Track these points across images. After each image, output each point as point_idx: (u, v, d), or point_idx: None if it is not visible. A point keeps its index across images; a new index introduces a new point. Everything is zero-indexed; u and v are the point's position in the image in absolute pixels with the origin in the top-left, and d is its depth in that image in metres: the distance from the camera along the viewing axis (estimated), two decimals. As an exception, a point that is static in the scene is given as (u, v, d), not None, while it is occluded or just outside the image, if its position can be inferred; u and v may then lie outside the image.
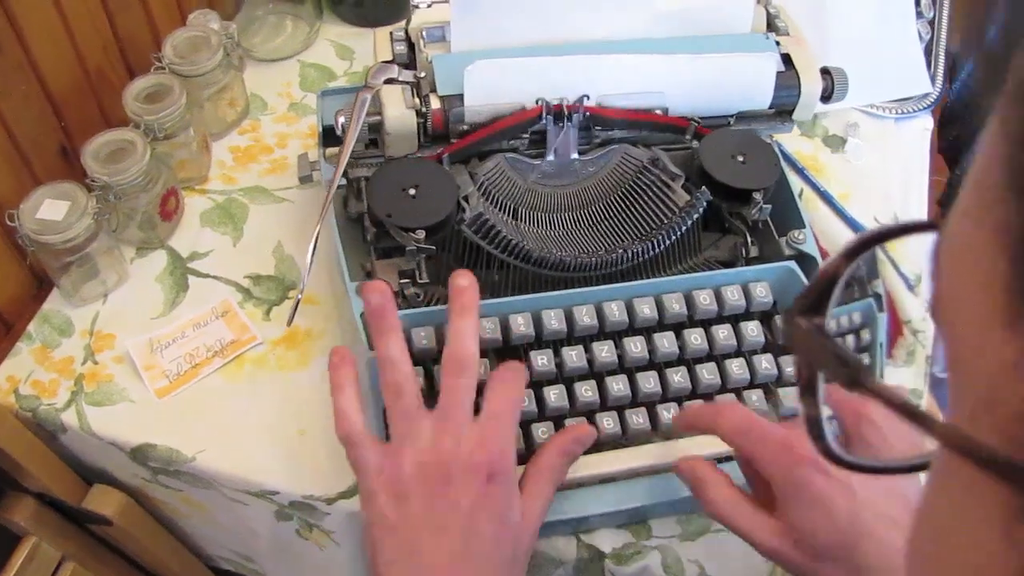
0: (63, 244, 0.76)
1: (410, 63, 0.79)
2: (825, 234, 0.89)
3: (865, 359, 0.74)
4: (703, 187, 0.75)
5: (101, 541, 0.93)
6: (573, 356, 0.69)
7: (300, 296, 0.73)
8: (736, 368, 0.72)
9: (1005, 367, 0.22)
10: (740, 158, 0.77)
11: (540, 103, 0.76)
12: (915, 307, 0.86)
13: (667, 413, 0.70)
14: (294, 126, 0.97)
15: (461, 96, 0.75)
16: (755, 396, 0.72)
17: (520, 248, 0.71)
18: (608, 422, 0.69)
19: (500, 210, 0.76)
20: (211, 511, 0.84)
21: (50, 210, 0.77)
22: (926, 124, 1.04)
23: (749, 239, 0.77)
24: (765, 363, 0.72)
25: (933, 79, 1.07)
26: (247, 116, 0.98)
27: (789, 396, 0.72)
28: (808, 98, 0.81)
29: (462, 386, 0.60)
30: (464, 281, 0.63)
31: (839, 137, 1.00)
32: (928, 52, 1.09)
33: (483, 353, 0.69)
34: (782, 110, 0.82)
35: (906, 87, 1.06)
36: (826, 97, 0.82)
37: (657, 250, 0.74)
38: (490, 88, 0.75)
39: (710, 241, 0.80)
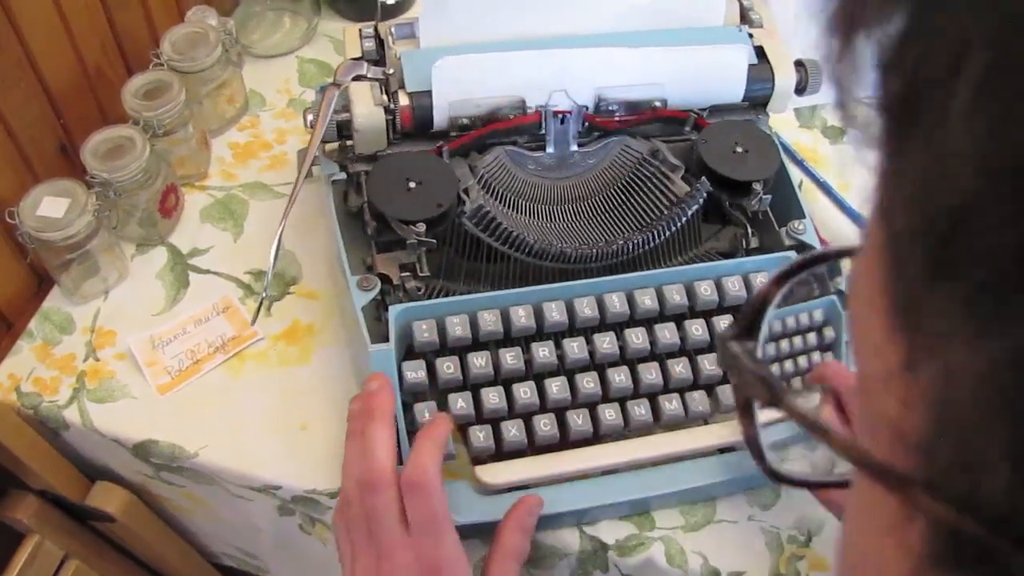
0: (63, 241, 0.76)
1: (380, 60, 0.79)
2: (825, 224, 0.89)
3: (829, 357, 0.74)
4: (703, 178, 0.75)
5: (104, 538, 0.93)
6: (575, 348, 0.69)
7: (264, 295, 0.74)
8: (737, 358, 0.71)
9: (883, 382, 0.24)
10: (740, 149, 0.77)
11: (539, 109, 0.77)
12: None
13: (669, 405, 0.70)
14: (293, 122, 0.97)
15: (430, 92, 0.75)
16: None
17: (521, 240, 0.71)
18: (610, 414, 0.69)
19: (500, 202, 0.76)
20: (214, 507, 0.84)
21: (50, 207, 0.77)
22: (925, 114, 1.04)
23: (749, 230, 0.77)
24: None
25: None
26: (246, 112, 0.98)
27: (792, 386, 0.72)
28: (782, 90, 0.81)
29: (380, 504, 0.60)
30: (374, 385, 0.65)
31: (838, 128, 1.00)
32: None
33: (484, 345, 0.69)
34: (756, 103, 0.82)
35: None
36: (800, 89, 0.82)
37: (657, 241, 0.74)
38: (459, 84, 0.75)
39: (710, 232, 0.80)
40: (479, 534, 0.70)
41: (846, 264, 0.89)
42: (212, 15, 0.93)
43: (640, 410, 0.70)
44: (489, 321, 0.68)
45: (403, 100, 0.75)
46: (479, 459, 0.68)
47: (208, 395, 0.78)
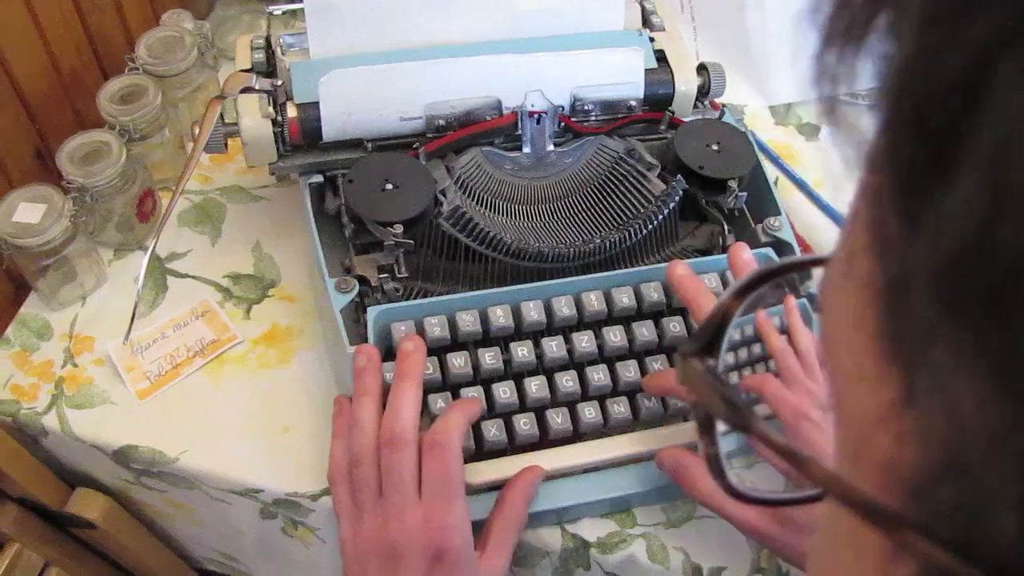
0: (40, 247, 0.76)
1: (271, 71, 0.79)
2: (801, 221, 0.90)
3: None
4: (679, 176, 0.76)
5: (85, 545, 0.92)
6: (553, 347, 0.69)
7: (135, 314, 0.77)
8: (715, 355, 0.72)
9: (874, 415, 0.22)
10: (715, 147, 0.78)
11: (515, 111, 0.77)
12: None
13: (648, 402, 0.71)
14: (270, 125, 0.97)
15: (318, 104, 0.75)
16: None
17: (498, 240, 0.71)
18: (590, 412, 0.69)
19: (477, 203, 0.76)
20: (195, 512, 0.84)
21: (26, 213, 0.76)
22: (899, 111, 1.04)
23: (726, 227, 0.78)
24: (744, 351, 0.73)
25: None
26: (223, 116, 0.97)
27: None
28: (683, 93, 0.82)
29: (400, 461, 0.61)
30: (409, 345, 0.65)
31: (813, 125, 1.01)
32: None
33: (463, 346, 0.69)
34: (658, 107, 0.82)
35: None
36: (704, 93, 0.83)
37: (634, 239, 0.74)
38: (348, 98, 0.75)
39: (687, 230, 0.81)
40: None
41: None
42: (188, 18, 0.93)
43: (619, 408, 0.70)
44: (468, 321, 0.69)
45: (291, 112, 0.75)
46: (460, 459, 0.68)
47: (188, 399, 0.77)
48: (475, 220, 0.71)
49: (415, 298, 0.72)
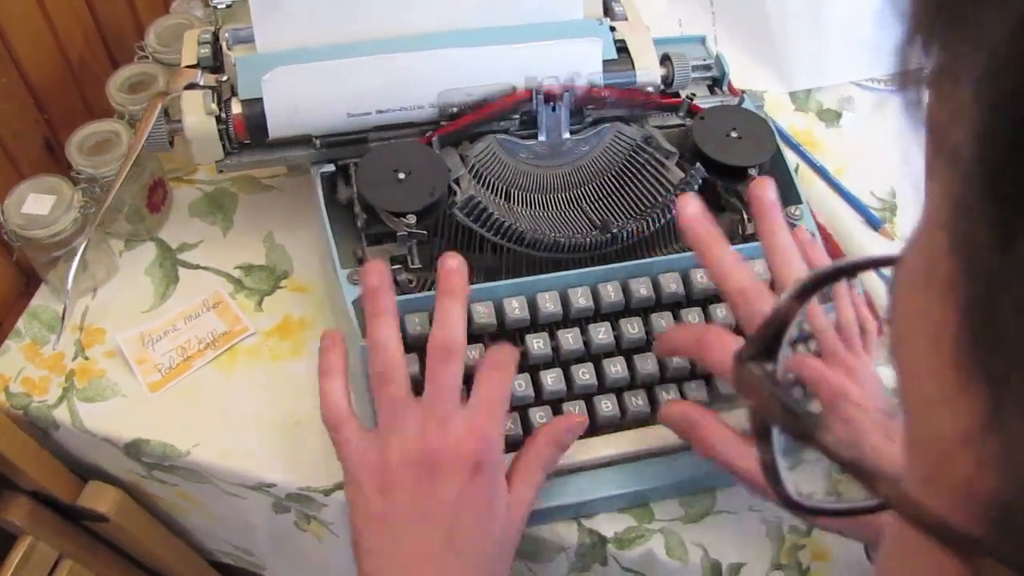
0: (49, 239, 0.75)
1: (218, 66, 0.77)
2: (822, 209, 0.88)
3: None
4: (697, 164, 0.74)
5: (98, 538, 0.92)
6: (569, 339, 0.68)
7: (65, 318, 0.77)
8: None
9: (953, 438, 0.21)
10: (734, 134, 0.76)
11: (529, 87, 0.75)
12: None
13: (667, 395, 0.69)
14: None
15: (262, 100, 0.73)
16: (755, 375, 0.71)
17: (513, 230, 0.70)
18: (607, 405, 0.68)
19: (492, 192, 0.75)
20: (208, 505, 0.84)
21: (35, 204, 0.76)
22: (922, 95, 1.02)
23: (745, 216, 0.76)
24: (764, 341, 0.71)
25: (928, 50, 1.06)
26: (234, 104, 0.96)
27: (789, 374, 0.71)
28: (644, 85, 0.80)
29: (448, 373, 0.59)
30: (453, 263, 0.62)
31: (833, 111, 0.99)
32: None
33: (477, 338, 0.68)
34: None
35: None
36: (668, 83, 0.81)
37: (652, 229, 0.73)
38: (292, 95, 0.74)
39: (706, 219, 0.79)
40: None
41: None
42: (197, 6, 0.92)
43: (637, 401, 0.69)
44: (482, 313, 0.67)
45: (236, 109, 0.74)
46: (475, 453, 0.67)
47: (199, 392, 0.77)
48: (490, 210, 0.70)
49: (428, 289, 0.71)
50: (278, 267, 0.84)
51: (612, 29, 0.81)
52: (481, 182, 0.74)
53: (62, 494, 0.84)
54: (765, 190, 0.64)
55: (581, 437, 0.68)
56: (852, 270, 0.32)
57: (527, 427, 0.67)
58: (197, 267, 0.84)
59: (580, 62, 0.77)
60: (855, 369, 0.60)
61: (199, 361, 0.78)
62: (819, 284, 0.30)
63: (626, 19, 0.83)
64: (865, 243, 0.86)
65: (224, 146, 0.74)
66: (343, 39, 0.76)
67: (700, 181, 0.74)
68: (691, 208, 0.62)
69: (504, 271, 0.72)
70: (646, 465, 0.69)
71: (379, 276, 0.62)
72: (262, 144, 0.75)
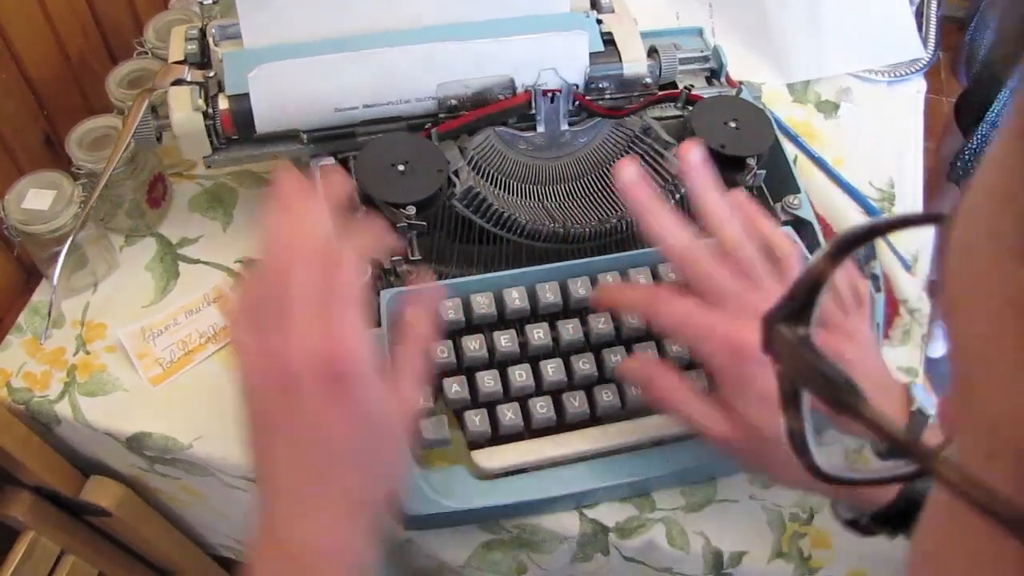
0: (50, 234, 0.75)
1: (205, 62, 0.78)
2: (820, 200, 0.88)
3: None
4: (696, 154, 0.74)
5: (100, 533, 0.92)
6: (569, 329, 0.68)
7: (51, 312, 0.76)
8: (735, 336, 0.71)
9: None
10: (733, 124, 0.76)
11: (528, 89, 0.75)
12: (911, 287, 0.85)
13: (666, 384, 0.70)
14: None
15: (249, 95, 0.73)
16: (755, 364, 0.71)
17: (513, 221, 0.70)
18: (607, 395, 0.68)
19: (491, 183, 0.75)
20: (210, 498, 0.84)
21: (36, 200, 0.76)
22: (919, 87, 1.03)
23: (744, 206, 0.76)
24: (764, 330, 0.71)
25: (925, 42, 1.06)
26: (233, 100, 0.96)
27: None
28: (631, 77, 0.80)
29: (294, 277, 0.53)
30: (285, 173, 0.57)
31: (831, 102, 0.99)
32: (919, 15, 1.08)
33: (478, 329, 0.68)
34: None
35: (897, 52, 1.04)
36: (656, 76, 0.81)
37: (651, 219, 0.73)
38: (279, 92, 0.74)
39: (705, 210, 0.79)
40: (478, 520, 0.70)
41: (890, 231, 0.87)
42: (196, 2, 0.92)
43: (637, 390, 0.69)
44: (482, 304, 0.68)
45: (223, 104, 0.74)
46: (476, 444, 0.67)
47: (201, 386, 0.77)
48: (489, 201, 0.70)
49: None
50: (278, 261, 0.84)
51: (599, 22, 0.81)
52: (480, 173, 0.75)
53: (64, 489, 0.84)
54: (691, 152, 0.62)
55: (582, 426, 0.68)
56: (888, 228, 0.30)
57: (528, 418, 0.67)
58: (197, 262, 0.84)
59: (567, 55, 0.77)
60: (852, 333, 0.60)
61: (200, 355, 0.78)
62: (854, 243, 0.29)
63: (612, 11, 0.83)
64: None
65: (212, 142, 0.75)
66: (330, 34, 0.76)
67: (699, 171, 0.74)
68: (627, 174, 0.61)
69: (504, 262, 0.73)
70: (647, 455, 0.69)
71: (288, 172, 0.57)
72: (249, 139, 0.75)
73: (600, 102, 0.78)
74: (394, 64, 0.75)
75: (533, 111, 0.77)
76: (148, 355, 0.78)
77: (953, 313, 0.22)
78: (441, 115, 0.76)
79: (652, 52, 0.81)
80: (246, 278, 0.57)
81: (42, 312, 0.80)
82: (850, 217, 0.88)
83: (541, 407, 0.67)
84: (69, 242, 0.75)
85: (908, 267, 0.86)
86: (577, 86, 0.77)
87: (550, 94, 0.76)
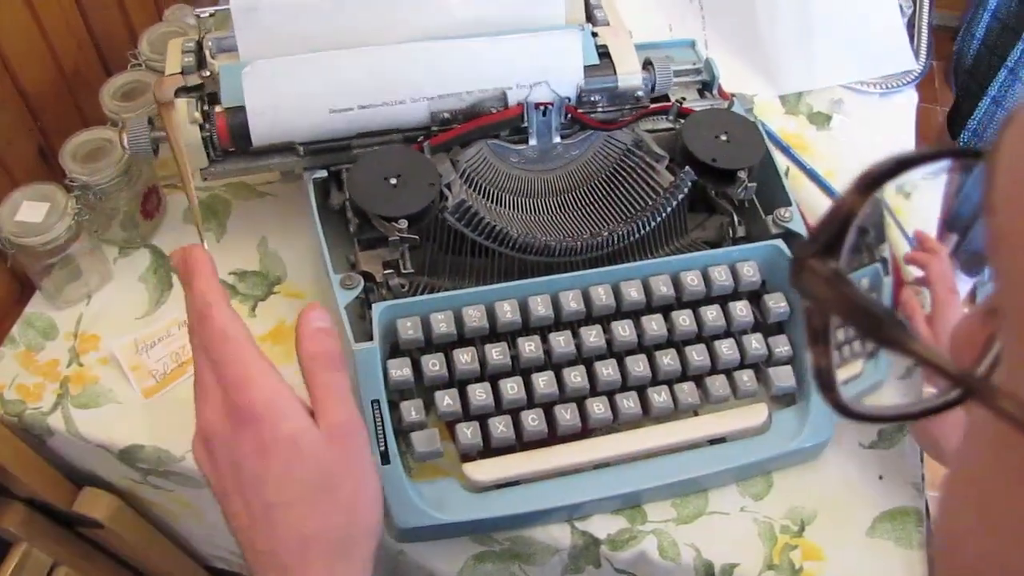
0: (43, 246, 0.75)
1: (203, 75, 0.78)
2: (812, 212, 0.88)
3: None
4: (687, 167, 0.75)
5: (93, 544, 0.92)
6: (561, 342, 0.69)
7: None
8: (726, 349, 0.71)
9: None
10: (724, 137, 0.76)
11: (521, 103, 0.76)
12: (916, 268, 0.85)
13: (658, 397, 0.70)
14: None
15: (244, 108, 0.74)
16: (746, 376, 0.72)
17: (504, 234, 0.70)
18: (598, 407, 0.69)
19: (483, 196, 0.75)
20: (203, 510, 0.84)
21: (29, 212, 0.76)
22: (911, 98, 1.03)
23: (735, 219, 0.77)
24: (755, 343, 0.72)
25: (916, 54, 1.07)
26: (227, 111, 0.97)
27: (780, 375, 0.72)
28: (626, 90, 0.80)
29: (194, 347, 0.53)
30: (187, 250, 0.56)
31: (824, 114, 1.00)
32: (911, 26, 1.09)
33: (469, 342, 0.68)
34: None
35: (889, 64, 1.05)
36: (651, 88, 0.81)
37: (643, 232, 0.73)
38: (273, 90, 0.74)
39: (696, 222, 0.80)
40: (470, 532, 0.70)
41: (900, 213, 0.88)
42: (190, 14, 0.92)
43: (629, 403, 0.69)
44: (474, 317, 0.68)
45: (219, 116, 0.74)
46: (467, 456, 0.68)
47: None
48: (481, 214, 0.70)
49: (421, 294, 0.71)
50: (271, 273, 0.84)
51: (594, 35, 0.81)
52: (472, 186, 0.75)
53: (57, 501, 0.84)
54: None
55: (573, 439, 0.69)
56: (916, 161, 0.29)
57: (519, 431, 0.67)
58: (191, 273, 0.84)
59: (561, 55, 0.78)
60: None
61: (193, 367, 0.78)
62: (883, 177, 0.28)
63: (608, 24, 0.83)
64: (855, 245, 0.87)
65: (208, 154, 0.75)
66: (325, 46, 0.76)
67: (690, 184, 0.74)
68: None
69: (495, 275, 0.73)
70: (638, 467, 0.69)
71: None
72: (246, 152, 0.76)
73: (592, 115, 0.79)
74: (388, 62, 0.75)
75: (525, 124, 0.77)
76: (141, 367, 0.78)
77: (1001, 246, 0.22)
78: (434, 128, 0.76)
79: (647, 64, 0.81)
80: None
81: (36, 324, 0.81)
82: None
83: (533, 420, 0.68)
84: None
85: (913, 246, 0.86)
86: (569, 99, 0.78)
87: (542, 107, 0.76)
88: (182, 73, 0.77)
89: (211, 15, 0.80)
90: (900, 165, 0.28)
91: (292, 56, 0.74)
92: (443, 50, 0.76)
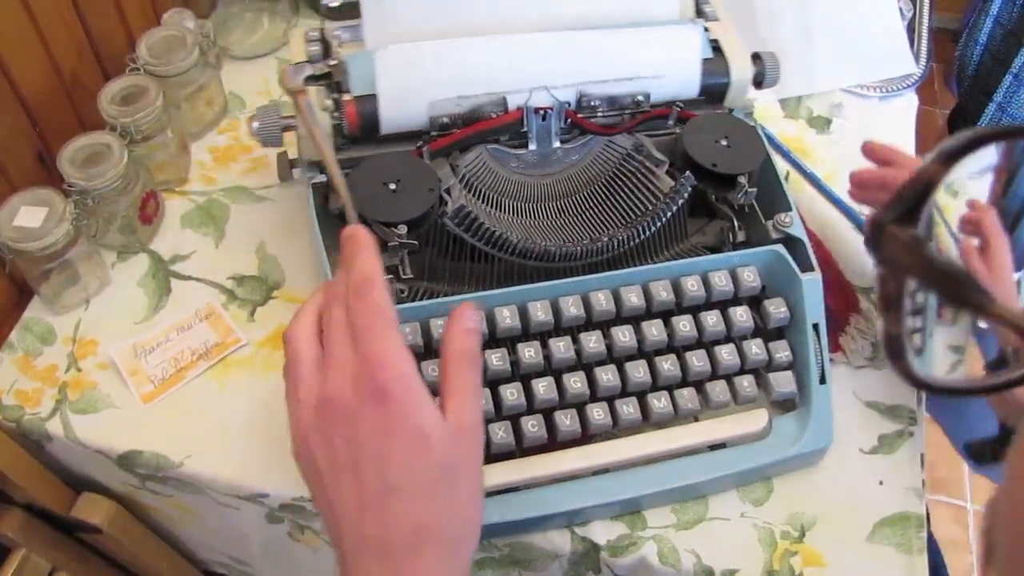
0: (42, 251, 0.75)
1: (330, 63, 0.78)
2: (812, 216, 0.88)
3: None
4: (687, 172, 0.74)
5: (92, 550, 0.92)
6: (561, 347, 0.68)
7: None
8: (726, 354, 0.71)
9: None
10: (724, 142, 0.76)
11: (520, 107, 0.76)
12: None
13: (658, 403, 0.70)
14: (274, 124, 0.96)
15: (375, 96, 0.73)
16: (746, 382, 0.72)
17: (504, 239, 0.70)
18: (598, 413, 0.68)
19: (483, 202, 0.75)
20: (201, 516, 0.83)
21: (27, 217, 0.76)
22: (911, 101, 1.03)
23: (736, 223, 0.77)
24: (755, 348, 0.72)
25: (917, 57, 1.07)
26: (225, 115, 0.97)
27: (780, 381, 0.72)
28: (739, 83, 0.80)
29: (333, 315, 0.52)
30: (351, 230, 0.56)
31: (824, 118, 0.99)
32: (911, 29, 1.09)
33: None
34: (713, 97, 0.81)
35: (889, 67, 1.05)
36: (758, 83, 0.81)
37: (643, 237, 0.73)
38: (405, 74, 0.74)
39: (696, 227, 0.79)
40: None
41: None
42: (189, 17, 0.92)
43: (629, 409, 0.69)
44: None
45: (349, 103, 0.74)
46: (467, 462, 0.67)
47: (193, 403, 0.77)
48: (480, 219, 0.70)
49: (420, 299, 0.71)
50: (270, 277, 0.84)
51: (705, 29, 0.81)
52: (472, 192, 0.75)
53: (55, 506, 0.84)
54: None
55: (573, 444, 0.68)
56: (995, 136, 0.29)
57: (519, 436, 0.67)
58: (189, 278, 0.84)
59: (682, 49, 0.78)
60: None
61: (192, 372, 0.78)
62: (964, 149, 0.28)
63: (717, 20, 0.83)
64: (857, 249, 0.87)
65: (336, 141, 0.75)
66: (449, 34, 0.76)
67: (690, 189, 0.74)
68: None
69: (495, 280, 0.73)
70: (638, 472, 0.69)
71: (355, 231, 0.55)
72: (371, 139, 0.75)
73: (592, 120, 0.78)
74: (514, 50, 0.76)
75: (525, 129, 0.77)
76: (140, 372, 0.78)
77: None
78: (433, 133, 0.76)
79: (756, 58, 0.81)
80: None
81: (34, 329, 0.80)
82: (842, 233, 0.88)
83: (532, 425, 0.67)
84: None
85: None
86: (568, 104, 0.77)
87: (542, 112, 0.76)
88: (309, 62, 0.77)
89: (339, 7, 0.79)
90: (979, 138, 0.28)
91: (424, 42, 0.74)
92: (571, 39, 0.76)
